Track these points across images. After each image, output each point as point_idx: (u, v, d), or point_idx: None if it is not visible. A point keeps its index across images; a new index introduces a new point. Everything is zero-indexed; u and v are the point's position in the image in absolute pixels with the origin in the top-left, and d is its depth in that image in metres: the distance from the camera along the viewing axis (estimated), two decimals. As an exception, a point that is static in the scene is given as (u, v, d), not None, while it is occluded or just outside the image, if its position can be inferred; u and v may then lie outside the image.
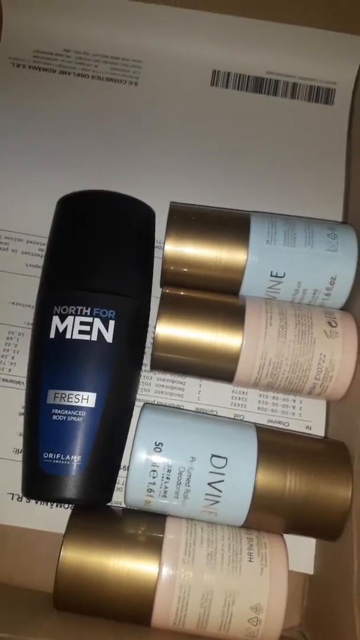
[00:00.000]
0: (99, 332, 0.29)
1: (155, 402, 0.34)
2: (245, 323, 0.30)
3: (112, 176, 0.37)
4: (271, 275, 0.30)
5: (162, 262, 0.31)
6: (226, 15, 0.39)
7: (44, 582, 0.31)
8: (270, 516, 0.28)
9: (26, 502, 0.32)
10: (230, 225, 0.30)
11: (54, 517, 0.32)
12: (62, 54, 0.40)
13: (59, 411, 0.28)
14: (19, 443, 0.33)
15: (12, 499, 0.32)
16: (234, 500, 0.28)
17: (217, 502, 0.28)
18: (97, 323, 0.29)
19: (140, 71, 0.39)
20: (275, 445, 0.29)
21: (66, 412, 0.28)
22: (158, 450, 0.28)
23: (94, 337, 0.29)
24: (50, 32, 0.40)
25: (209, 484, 0.28)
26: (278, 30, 0.39)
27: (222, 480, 0.28)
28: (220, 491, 0.28)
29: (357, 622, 0.25)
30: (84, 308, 0.30)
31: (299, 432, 0.33)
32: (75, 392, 0.29)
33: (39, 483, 0.28)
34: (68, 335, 0.29)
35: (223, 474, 0.28)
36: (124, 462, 0.32)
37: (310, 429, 0.33)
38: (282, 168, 0.38)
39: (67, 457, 0.28)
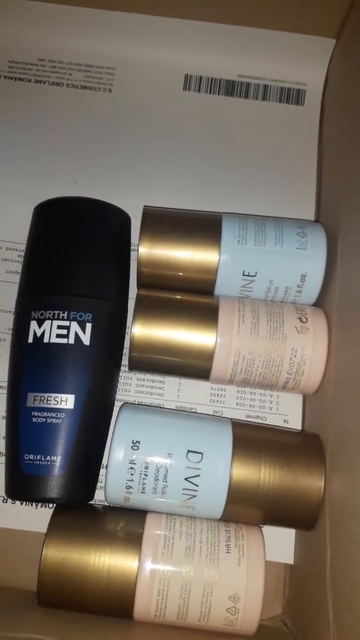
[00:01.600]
0: (76, 335, 0.30)
1: (136, 402, 0.35)
2: (218, 321, 0.30)
3: (88, 182, 0.38)
4: (243, 275, 0.31)
5: (137, 264, 0.31)
6: (196, 21, 0.39)
7: (30, 581, 0.32)
8: (246, 508, 0.29)
9: (11, 503, 0.33)
10: (202, 227, 0.31)
11: (39, 517, 0.33)
12: (36, 63, 0.40)
13: (39, 413, 0.29)
14: (3, 446, 0.33)
15: (-2, 500, 0.33)
16: (210, 494, 0.29)
17: (194, 496, 0.29)
18: (74, 326, 0.30)
19: (113, 78, 0.40)
20: (250, 439, 0.30)
21: (45, 414, 0.29)
22: (135, 448, 0.29)
23: (72, 340, 0.30)
24: (25, 42, 0.40)
25: (186, 479, 0.28)
26: (248, 34, 0.39)
27: (199, 475, 0.28)
28: (197, 485, 0.28)
29: (331, 609, 0.26)
30: (61, 312, 0.30)
31: (275, 425, 0.33)
32: (54, 395, 0.29)
33: (20, 484, 0.29)
34: (46, 339, 0.30)
35: (199, 469, 0.28)
36: (104, 460, 0.33)
37: (287, 422, 0.34)
38: (255, 169, 0.39)
39: (48, 457, 0.29)
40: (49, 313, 0.30)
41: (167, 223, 0.31)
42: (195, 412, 0.34)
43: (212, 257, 0.31)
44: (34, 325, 0.30)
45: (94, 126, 0.39)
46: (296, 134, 0.39)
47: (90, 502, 0.32)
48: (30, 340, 0.30)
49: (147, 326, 0.31)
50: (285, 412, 0.34)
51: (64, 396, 0.29)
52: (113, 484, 0.29)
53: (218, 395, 0.35)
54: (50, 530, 0.29)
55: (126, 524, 0.29)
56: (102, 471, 0.33)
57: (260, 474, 0.29)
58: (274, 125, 0.40)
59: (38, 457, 0.29)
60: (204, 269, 0.31)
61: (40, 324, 0.30)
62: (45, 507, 0.33)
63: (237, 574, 0.28)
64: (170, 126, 0.39)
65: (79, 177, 0.38)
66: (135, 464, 0.28)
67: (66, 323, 0.30)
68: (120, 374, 0.35)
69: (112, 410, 0.32)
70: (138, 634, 0.27)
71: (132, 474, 0.28)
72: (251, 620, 0.28)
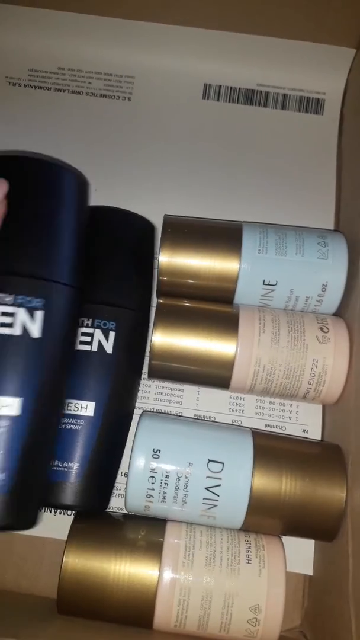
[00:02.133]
0: (99, 343, 0.30)
1: (155, 410, 0.35)
2: (239, 330, 0.30)
3: (108, 190, 0.38)
4: (264, 284, 0.31)
5: (157, 273, 0.31)
6: (216, 30, 0.39)
7: (49, 588, 0.32)
8: (267, 519, 0.29)
9: (30, 510, 0.33)
10: (223, 236, 0.31)
11: (58, 525, 0.32)
12: (56, 72, 0.41)
13: (63, 420, 0.29)
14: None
15: (17, 507, 0.33)
16: (231, 504, 0.29)
17: (214, 506, 0.28)
18: (98, 334, 0.30)
19: (133, 87, 0.40)
20: (270, 449, 0.30)
21: (65, 420, 0.29)
22: (156, 456, 0.29)
23: (94, 347, 0.30)
24: (45, 51, 0.41)
25: (207, 488, 0.28)
26: (267, 44, 0.40)
27: (219, 485, 0.28)
28: (218, 495, 0.28)
29: (353, 621, 0.26)
30: (86, 319, 0.30)
31: (295, 435, 0.33)
32: (74, 401, 0.29)
33: None
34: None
35: (220, 479, 0.28)
36: (124, 468, 0.33)
37: (306, 432, 0.34)
38: (274, 178, 0.39)
39: (65, 464, 0.29)
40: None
41: (187, 232, 0.31)
42: (213, 421, 0.34)
43: (233, 266, 0.31)
44: None
45: (114, 134, 0.40)
46: (315, 143, 0.39)
47: (109, 510, 0.32)
48: None
49: (167, 334, 0.31)
50: (305, 422, 0.34)
51: (84, 403, 0.29)
52: (134, 492, 0.29)
53: (237, 404, 0.35)
54: (71, 538, 0.29)
55: (147, 533, 0.29)
56: (121, 479, 0.33)
57: (281, 485, 0.28)
58: (293, 134, 0.40)
59: (56, 464, 0.29)
60: (224, 278, 0.31)
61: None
62: (64, 513, 0.33)
63: (258, 584, 0.28)
64: (189, 135, 0.40)
65: (98, 185, 0.38)
66: (156, 472, 0.28)
67: (90, 330, 0.30)
68: (141, 381, 0.35)
69: (131, 418, 0.33)
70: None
71: (152, 483, 0.28)
72: (272, 632, 0.28)
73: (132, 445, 0.29)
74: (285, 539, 0.30)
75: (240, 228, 0.32)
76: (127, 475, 0.33)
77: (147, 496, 0.29)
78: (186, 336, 0.31)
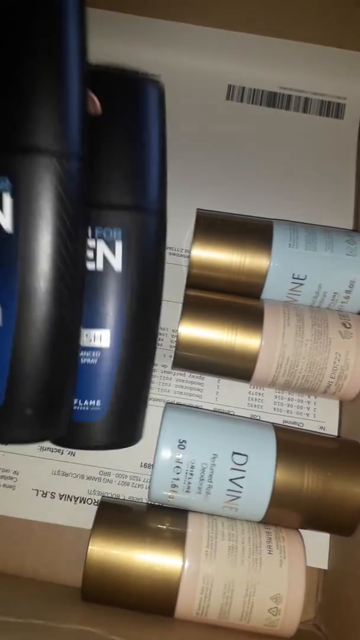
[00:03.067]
0: (105, 258, 0.25)
1: (175, 402, 0.35)
2: (264, 323, 0.31)
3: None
4: (293, 278, 0.31)
5: (188, 266, 0.32)
6: (241, 32, 0.40)
7: (68, 576, 0.32)
8: (287, 512, 0.30)
9: (50, 498, 0.33)
10: (254, 231, 0.32)
11: (78, 513, 0.33)
12: (83, 67, 0.41)
13: None
14: (44, 441, 0.34)
15: (37, 495, 0.33)
16: (254, 496, 0.29)
17: (238, 497, 0.29)
18: (102, 247, 0.25)
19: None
20: (293, 443, 0.30)
21: (80, 353, 0.25)
22: (182, 447, 0.29)
23: (100, 265, 0.25)
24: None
25: (231, 480, 0.29)
26: (291, 48, 0.40)
27: (243, 477, 0.29)
28: (242, 487, 0.29)
29: (374, 611, 0.26)
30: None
31: (314, 431, 0.34)
32: (85, 331, 0.25)
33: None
34: None
35: (244, 471, 0.29)
36: (145, 459, 0.34)
37: (323, 429, 0.35)
38: (295, 180, 0.39)
39: (86, 403, 0.26)
40: None
41: (219, 226, 0.32)
42: (236, 415, 0.35)
43: (263, 259, 0.32)
44: None
45: (138, 131, 0.40)
46: (335, 147, 0.40)
47: (132, 501, 0.33)
48: None
49: (193, 325, 0.31)
50: (322, 419, 0.35)
51: (97, 332, 0.25)
52: (159, 482, 0.29)
53: (256, 399, 0.35)
54: (96, 526, 0.29)
55: (170, 522, 0.29)
56: (140, 470, 0.33)
57: (303, 479, 0.29)
58: (314, 138, 0.40)
59: (75, 403, 0.25)
60: (254, 273, 0.32)
61: None
62: (85, 502, 0.33)
63: (279, 574, 0.28)
64: (212, 134, 0.40)
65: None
66: (181, 463, 0.29)
67: (91, 243, 0.24)
68: (160, 373, 0.35)
69: (155, 344, 0.28)
70: (184, 632, 0.28)
71: (178, 473, 0.29)
72: (292, 622, 0.28)
73: (158, 436, 0.30)
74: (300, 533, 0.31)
75: (271, 223, 0.32)
76: (149, 466, 0.33)
77: (172, 486, 0.29)
78: (212, 328, 0.31)
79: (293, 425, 0.35)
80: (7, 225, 0.20)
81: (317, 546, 0.33)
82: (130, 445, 0.28)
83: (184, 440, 0.29)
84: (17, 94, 0.20)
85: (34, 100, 0.20)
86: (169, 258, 0.38)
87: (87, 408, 0.25)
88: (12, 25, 0.20)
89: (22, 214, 0.21)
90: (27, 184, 0.20)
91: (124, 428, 0.27)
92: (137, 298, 0.25)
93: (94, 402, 0.25)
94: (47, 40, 0.21)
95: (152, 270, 0.26)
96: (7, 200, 0.20)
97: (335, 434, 0.35)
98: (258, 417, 0.35)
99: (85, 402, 0.25)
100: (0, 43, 0.20)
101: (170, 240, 0.38)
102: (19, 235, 0.21)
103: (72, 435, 0.26)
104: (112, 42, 0.41)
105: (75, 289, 0.24)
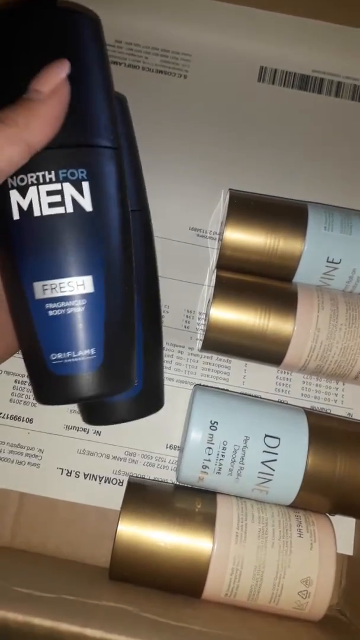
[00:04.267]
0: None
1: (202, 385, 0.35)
2: (298, 306, 0.31)
3: (160, 166, 0.38)
4: (327, 261, 0.31)
5: (221, 247, 0.32)
6: (275, 12, 0.40)
7: (92, 556, 0.32)
8: (318, 496, 0.29)
9: (75, 477, 0.33)
10: (288, 213, 0.31)
11: (101, 493, 0.33)
12: (113, 44, 0.40)
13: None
14: (70, 419, 0.34)
15: (62, 473, 0.33)
16: (285, 479, 0.29)
17: (269, 480, 0.29)
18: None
19: (189, 64, 0.40)
20: (324, 427, 0.30)
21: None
22: (214, 428, 0.29)
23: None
24: (103, 23, 0.40)
25: (263, 462, 0.29)
26: (325, 30, 0.40)
27: (275, 460, 0.29)
28: (273, 470, 0.29)
29: None
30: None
31: (343, 416, 0.34)
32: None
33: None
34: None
35: (276, 454, 0.29)
36: (173, 441, 0.33)
37: (351, 415, 0.34)
38: (327, 164, 0.39)
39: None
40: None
41: (253, 207, 0.31)
42: (266, 399, 0.34)
43: (297, 242, 0.31)
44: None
45: (168, 111, 0.39)
46: (367, 132, 0.40)
47: (160, 481, 0.32)
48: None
49: (224, 308, 0.31)
50: (350, 406, 0.35)
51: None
52: (190, 462, 0.29)
53: (284, 384, 0.35)
54: (125, 506, 0.29)
55: (200, 503, 0.29)
56: (167, 451, 0.33)
57: (335, 463, 0.29)
58: (346, 122, 0.40)
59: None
60: (288, 255, 0.31)
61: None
62: (109, 482, 0.33)
63: (310, 557, 0.28)
64: (242, 116, 0.40)
65: (149, 160, 0.38)
66: (213, 444, 0.29)
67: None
68: (187, 356, 0.35)
69: (134, 284, 0.28)
70: (214, 612, 0.27)
71: (209, 454, 0.29)
72: (321, 605, 0.28)
73: (189, 417, 0.29)
74: (325, 519, 0.31)
75: (306, 206, 0.32)
76: (175, 448, 0.33)
77: (202, 467, 0.29)
78: (244, 311, 0.31)
79: (321, 411, 0.34)
80: (88, 206, 0.24)
81: (343, 532, 0.33)
82: (129, 389, 0.27)
83: (215, 422, 0.29)
84: (86, 108, 0.25)
85: (98, 111, 0.25)
86: (195, 239, 0.38)
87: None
88: (74, 62, 0.24)
89: (97, 194, 0.24)
90: (97, 171, 0.24)
91: (123, 372, 0.26)
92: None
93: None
94: (101, 72, 0.26)
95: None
96: (86, 185, 0.24)
97: (363, 421, 0.34)
98: (285, 402, 0.35)
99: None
100: (72, 77, 0.24)
101: (196, 221, 0.38)
102: (99, 211, 0.24)
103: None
104: (143, 20, 0.40)
105: (133, 254, 0.27)
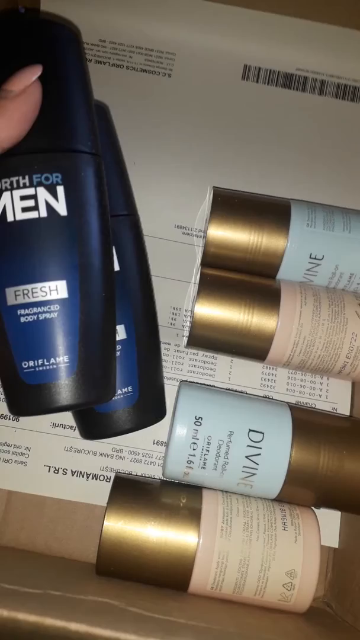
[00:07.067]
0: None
1: (187, 381, 0.35)
2: (281, 302, 0.31)
3: (147, 164, 0.38)
4: (310, 258, 0.31)
5: (205, 244, 0.32)
6: (258, 11, 0.40)
7: (79, 552, 0.32)
8: (302, 490, 0.30)
9: (62, 474, 0.33)
10: (272, 210, 0.32)
11: (89, 489, 0.33)
12: (97, 44, 0.41)
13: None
14: (56, 417, 0.34)
15: (49, 471, 0.33)
16: (270, 473, 0.29)
17: (253, 474, 0.29)
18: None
19: (173, 63, 0.41)
20: (308, 422, 0.30)
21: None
22: (198, 424, 0.29)
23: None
24: (87, 22, 0.41)
25: (247, 456, 0.29)
26: (308, 28, 0.40)
27: (259, 454, 0.29)
28: (257, 464, 0.29)
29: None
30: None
31: (328, 411, 0.34)
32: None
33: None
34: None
35: (260, 448, 0.29)
36: (159, 437, 0.34)
37: (336, 410, 0.35)
38: (310, 162, 0.39)
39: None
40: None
41: (236, 204, 0.32)
42: (251, 394, 0.35)
43: (281, 238, 0.32)
44: None
45: (152, 109, 0.40)
46: (351, 130, 0.40)
47: (147, 477, 0.33)
48: None
49: (209, 304, 0.31)
50: (335, 400, 0.35)
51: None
52: (175, 458, 0.29)
53: (269, 380, 0.35)
54: (112, 501, 0.29)
55: (186, 498, 0.29)
56: (154, 447, 0.33)
57: (319, 457, 0.29)
58: (330, 120, 0.40)
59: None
60: (271, 252, 0.32)
61: None
62: (97, 479, 0.33)
63: (294, 550, 0.28)
64: (227, 114, 0.40)
65: (137, 158, 0.38)
66: (198, 439, 0.29)
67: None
68: (173, 352, 0.35)
69: (114, 289, 0.27)
70: (200, 605, 0.28)
71: (194, 449, 0.29)
72: (306, 597, 0.28)
73: (173, 413, 0.30)
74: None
75: (289, 203, 0.32)
76: (162, 444, 0.33)
77: (187, 462, 0.29)
78: (228, 307, 0.31)
79: (306, 406, 0.35)
80: (62, 210, 0.24)
81: (328, 525, 0.33)
82: (107, 401, 0.26)
83: (200, 417, 0.29)
84: (62, 114, 0.25)
85: (74, 117, 0.25)
86: (181, 237, 0.38)
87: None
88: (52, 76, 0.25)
89: (72, 198, 0.24)
90: (74, 176, 0.24)
91: (100, 381, 0.25)
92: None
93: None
94: (79, 80, 0.27)
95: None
96: (60, 189, 0.24)
97: (348, 415, 0.35)
98: (271, 397, 0.35)
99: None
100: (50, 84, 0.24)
101: (182, 219, 0.38)
102: (73, 216, 0.24)
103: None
104: (127, 19, 0.41)
105: (112, 259, 0.27)
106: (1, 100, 0.23)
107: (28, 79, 0.23)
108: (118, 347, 0.27)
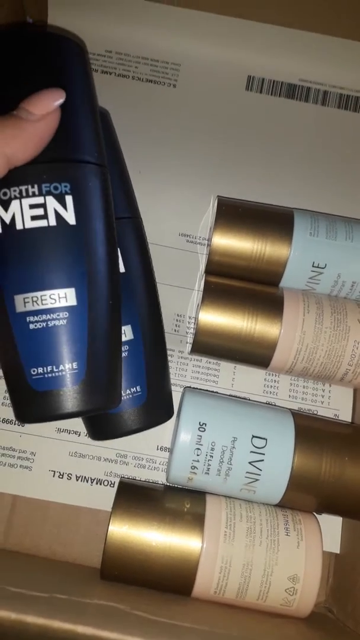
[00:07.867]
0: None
1: (192, 388, 0.35)
2: (284, 310, 0.31)
3: (153, 173, 0.39)
4: (313, 266, 0.32)
5: (209, 252, 0.32)
6: (262, 23, 0.41)
7: (84, 556, 0.33)
8: (304, 495, 0.30)
9: (67, 479, 0.33)
10: (275, 219, 0.32)
11: (93, 494, 0.33)
12: (104, 54, 0.41)
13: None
14: (61, 422, 0.34)
15: (54, 476, 0.33)
16: (272, 479, 0.29)
17: (256, 480, 0.29)
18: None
19: (178, 74, 0.41)
20: (310, 428, 0.31)
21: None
22: (202, 430, 0.29)
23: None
24: (93, 33, 0.41)
25: (250, 462, 0.29)
26: (311, 40, 0.41)
27: (262, 460, 0.29)
28: (260, 470, 0.29)
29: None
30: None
31: (330, 418, 0.34)
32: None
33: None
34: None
35: (263, 454, 0.29)
36: (162, 442, 0.34)
37: (337, 416, 0.35)
38: (313, 171, 0.40)
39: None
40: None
41: (241, 213, 0.32)
42: (253, 401, 0.35)
43: (284, 247, 0.32)
44: None
45: (158, 119, 0.40)
46: (354, 140, 0.41)
47: (151, 482, 0.33)
48: None
49: (213, 311, 0.32)
50: (336, 407, 0.35)
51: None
52: (179, 463, 0.29)
53: (271, 386, 0.36)
54: (116, 506, 0.29)
55: (189, 503, 0.30)
56: (157, 453, 0.33)
57: (321, 463, 0.29)
58: (332, 130, 0.41)
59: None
60: (274, 261, 0.32)
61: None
62: (101, 484, 0.33)
63: (297, 555, 0.29)
64: (231, 124, 0.40)
65: (142, 168, 0.39)
66: (202, 445, 0.29)
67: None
68: (177, 359, 0.36)
69: (121, 297, 0.28)
70: (203, 609, 0.28)
71: (198, 455, 0.29)
72: (308, 602, 0.29)
73: (178, 419, 0.30)
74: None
75: (292, 212, 0.33)
76: (166, 449, 0.34)
77: (191, 467, 0.29)
78: (232, 314, 0.32)
79: (308, 412, 0.35)
80: (71, 219, 0.24)
81: (330, 530, 0.33)
82: (113, 408, 0.27)
83: (204, 423, 0.30)
84: (71, 126, 0.25)
85: (82, 129, 0.26)
86: (185, 245, 0.38)
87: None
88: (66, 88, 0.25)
89: (80, 207, 0.25)
90: (82, 186, 0.25)
91: (107, 388, 0.25)
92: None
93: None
94: (86, 93, 0.27)
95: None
96: (69, 199, 0.24)
97: (349, 421, 0.35)
98: (273, 404, 0.35)
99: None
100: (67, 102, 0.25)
101: (186, 227, 0.38)
102: (82, 225, 0.25)
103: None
104: (133, 30, 0.41)
105: (119, 267, 0.27)
106: (21, 121, 0.23)
107: (50, 105, 0.23)
108: (125, 347, 0.28)
